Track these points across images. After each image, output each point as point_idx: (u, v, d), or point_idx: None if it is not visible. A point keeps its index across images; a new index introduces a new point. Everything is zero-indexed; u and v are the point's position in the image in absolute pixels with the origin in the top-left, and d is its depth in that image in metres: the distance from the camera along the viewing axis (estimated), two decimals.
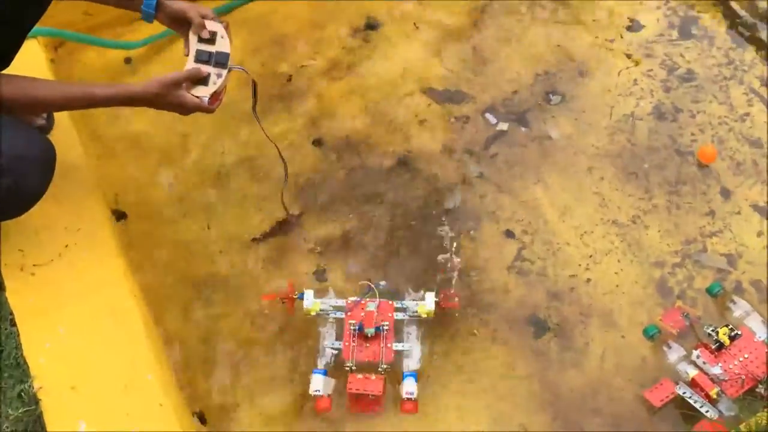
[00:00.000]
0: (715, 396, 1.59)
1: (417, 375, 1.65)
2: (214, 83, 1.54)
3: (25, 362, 1.45)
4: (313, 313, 1.72)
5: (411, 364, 1.67)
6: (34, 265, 1.57)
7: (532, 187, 1.99)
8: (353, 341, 1.67)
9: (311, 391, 1.62)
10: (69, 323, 1.50)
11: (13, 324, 1.49)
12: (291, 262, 1.88)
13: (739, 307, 1.73)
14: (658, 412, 1.65)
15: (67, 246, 1.61)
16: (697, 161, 1.99)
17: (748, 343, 1.66)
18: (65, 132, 1.78)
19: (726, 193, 1.96)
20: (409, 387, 1.62)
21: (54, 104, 1.54)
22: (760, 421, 1.42)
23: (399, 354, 1.68)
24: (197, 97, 1.53)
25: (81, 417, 1.39)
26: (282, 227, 1.93)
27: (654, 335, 1.73)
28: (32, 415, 1.39)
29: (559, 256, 1.89)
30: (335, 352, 1.69)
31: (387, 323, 1.68)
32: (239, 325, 1.79)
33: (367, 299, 1.73)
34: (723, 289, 1.78)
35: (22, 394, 1.41)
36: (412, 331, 1.71)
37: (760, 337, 1.66)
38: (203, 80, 1.54)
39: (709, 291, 1.78)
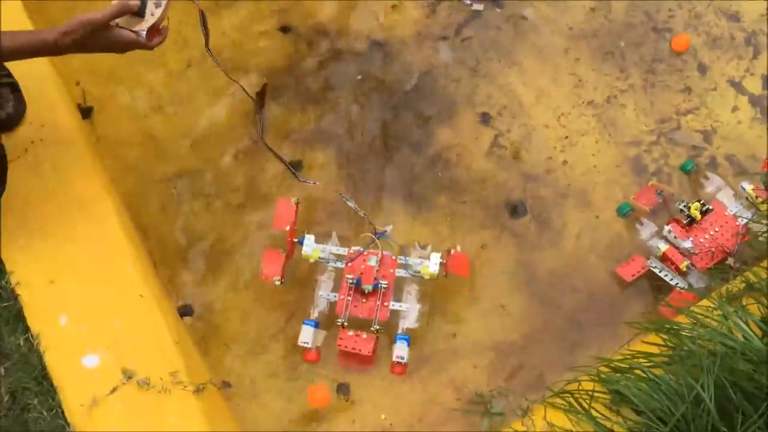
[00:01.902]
0: (684, 269, 1.63)
1: (410, 338, 1.58)
2: (152, 14, 1.32)
3: (0, 259, 1.43)
4: (312, 260, 1.63)
5: (407, 324, 1.59)
6: None
7: (507, 70, 1.96)
8: (349, 295, 1.60)
9: (299, 342, 1.57)
10: (41, 219, 1.47)
11: None
12: (264, 154, 1.85)
13: (711, 183, 1.75)
14: (631, 287, 1.69)
15: (32, 142, 1.57)
16: (671, 50, 1.95)
17: (719, 217, 1.68)
18: (20, 24, 1.70)
19: (702, 69, 1.94)
20: (400, 351, 1.56)
21: None
22: (731, 289, 1.45)
23: (396, 313, 1.61)
24: (133, 31, 1.32)
25: (61, 310, 1.39)
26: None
27: (627, 213, 1.75)
28: (12, 311, 1.38)
29: (535, 138, 1.88)
30: (330, 301, 1.62)
31: (386, 282, 1.60)
32: (216, 219, 1.78)
33: (370, 251, 1.64)
34: (696, 166, 1.79)
35: (0, 290, 1.40)
36: (412, 291, 1.63)
37: (731, 211, 1.69)
38: (139, 11, 1.32)
39: (682, 168, 1.80)
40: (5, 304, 1.39)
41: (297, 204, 1.65)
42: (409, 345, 1.57)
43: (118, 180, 1.76)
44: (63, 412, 1.31)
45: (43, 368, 1.34)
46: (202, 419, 1.34)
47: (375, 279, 1.59)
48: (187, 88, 1.92)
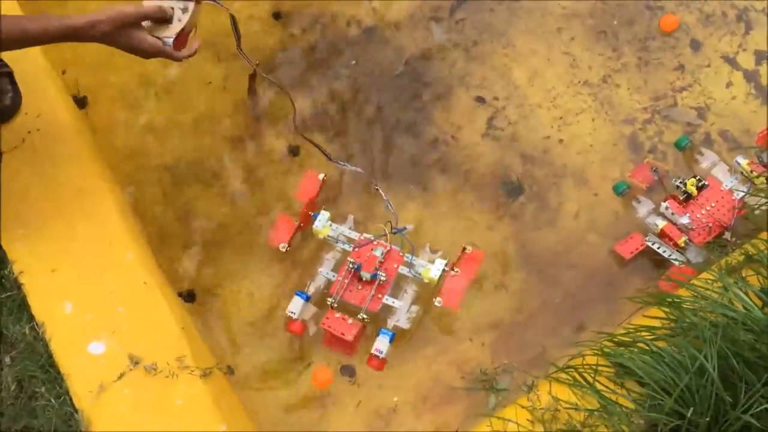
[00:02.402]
0: (683, 244, 1.64)
1: (395, 335, 1.56)
2: (179, 20, 1.30)
3: (2, 249, 1.43)
4: (321, 236, 1.65)
5: (395, 322, 1.59)
6: None
7: (502, 51, 1.96)
8: (346, 279, 1.59)
9: (287, 311, 1.59)
10: (40, 208, 1.47)
11: None
12: (263, 140, 1.85)
13: (706, 159, 1.76)
14: (630, 264, 1.70)
15: (29, 132, 1.56)
16: (660, 30, 1.96)
17: (715, 193, 1.70)
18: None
19: (696, 46, 1.95)
20: (380, 344, 1.54)
21: None
22: (730, 262, 1.47)
23: (389, 309, 1.60)
24: (159, 38, 1.31)
25: (65, 298, 1.40)
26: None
27: (623, 191, 1.76)
28: (16, 300, 1.38)
29: (531, 119, 1.89)
30: (328, 279, 1.63)
31: (384, 275, 1.58)
32: (216, 207, 1.78)
33: (380, 242, 1.63)
34: (690, 142, 1.80)
35: (3, 280, 1.40)
36: (409, 291, 1.62)
37: (726, 186, 1.70)
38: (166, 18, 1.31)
39: (676, 145, 1.81)
40: (8, 293, 1.39)
41: (324, 180, 1.67)
42: (391, 342, 1.56)
43: (117, 168, 1.76)
44: (71, 399, 1.31)
45: (50, 356, 1.35)
46: (210, 403, 1.35)
47: (375, 269, 1.59)
48: (183, 77, 1.91)
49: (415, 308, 1.61)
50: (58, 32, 1.28)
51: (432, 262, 1.61)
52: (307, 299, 1.61)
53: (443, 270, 1.59)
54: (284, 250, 1.64)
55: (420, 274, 1.61)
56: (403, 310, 1.60)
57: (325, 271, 1.64)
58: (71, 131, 1.61)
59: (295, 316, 1.59)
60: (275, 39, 1.97)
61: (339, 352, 1.62)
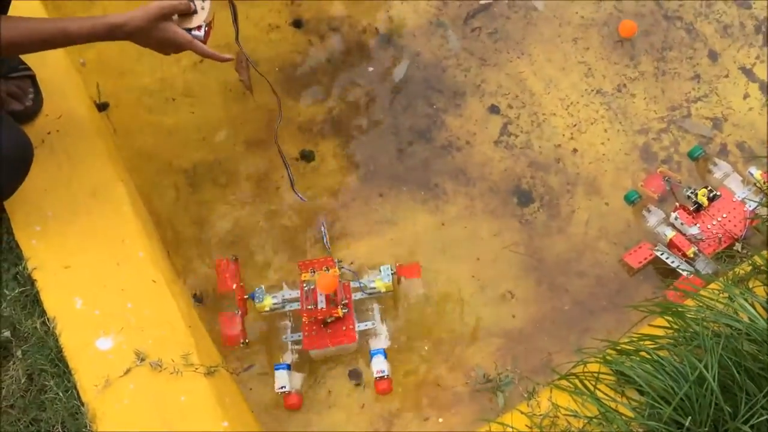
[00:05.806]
0: (691, 255, 1.63)
1: (385, 352, 1.56)
2: (203, 9, 1.37)
3: (18, 246, 1.47)
4: (267, 309, 1.62)
5: (378, 342, 1.58)
6: None
7: (517, 60, 1.97)
8: (313, 330, 1.59)
9: (276, 389, 1.54)
10: (57, 207, 1.51)
11: (3, 210, 1.50)
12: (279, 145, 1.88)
13: (720, 169, 1.74)
14: (639, 273, 1.69)
15: (49, 133, 1.61)
16: (619, 36, 1.95)
17: (726, 204, 1.68)
18: None
19: (713, 56, 1.93)
20: (378, 365, 1.52)
21: (21, 45, 1.33)
22: (738, 273, 1.45)
23: (365, 334, 1.60)
24: (187, 29, 1.38)
25: (76, 294, 1.43)
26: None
27: (635, 200, 1.75)
28: (29, 295, 1.42)
29: (545, 127, 1.89)
30: (297, 345, 1.61)
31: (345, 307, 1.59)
32: (229, 209, 1.81)
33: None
34: (704, 152, 1.78)
35: (18, 276, 1.44)
36: (374, 308, 1.63)
37: (738, 197, 1.68)
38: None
39: (690, 155, 1.79)
40: (22, 289, 1.43)
41: (236, 260, 1.68)
42: (386, 358, 1.55)
43: (133, 170, 1.79)
44: (78, 393, 1.34)
45: (59, 350, 1.38)
46: (213, 400, 1.37)
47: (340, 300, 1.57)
48: (200, 81, 1.95)
49: (383, 327, 1.62)
50: (96, 32, 1.34)
51: (378, 274, 1.63)
52: (288, 368, 1.57)
53: (392, 272, 1.62)
54: (244, 345, 1.62)
55: (375, 288, 1.61)
56: (379, 326, 1.60)
57: (290, 337, 1.63)
58: (90, 133, 1.65)
59: (287, 389, 1.55)
60: (294, 46, 2.00)
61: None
